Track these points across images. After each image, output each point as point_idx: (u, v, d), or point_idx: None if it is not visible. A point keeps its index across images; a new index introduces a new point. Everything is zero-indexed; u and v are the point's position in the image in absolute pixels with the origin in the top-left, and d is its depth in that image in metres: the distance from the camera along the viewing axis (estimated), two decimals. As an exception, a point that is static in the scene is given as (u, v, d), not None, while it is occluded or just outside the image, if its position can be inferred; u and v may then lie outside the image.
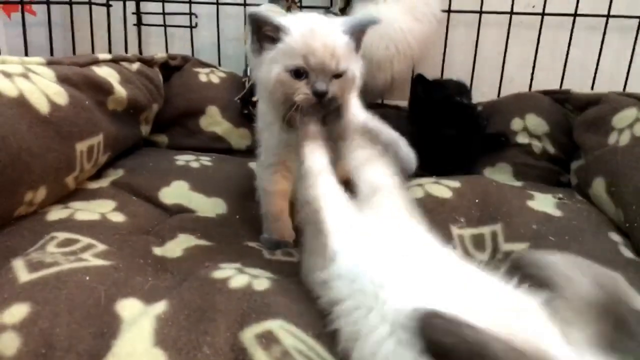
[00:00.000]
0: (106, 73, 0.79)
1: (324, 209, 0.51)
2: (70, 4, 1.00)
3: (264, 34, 0.59)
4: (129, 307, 0.46)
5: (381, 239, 0.48)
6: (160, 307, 0.45)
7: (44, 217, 0.64)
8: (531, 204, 0.74)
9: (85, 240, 0.57)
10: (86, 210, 0.67)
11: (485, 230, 0.71)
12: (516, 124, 0.97)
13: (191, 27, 1.20)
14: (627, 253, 0.66)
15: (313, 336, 0.43)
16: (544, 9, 1.09)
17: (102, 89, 0.76)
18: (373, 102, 1.05)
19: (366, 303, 0.41)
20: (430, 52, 1.11)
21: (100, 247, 0.57)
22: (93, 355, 0.41)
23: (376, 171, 0.58)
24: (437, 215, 0.72)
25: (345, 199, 0.54)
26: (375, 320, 0.40)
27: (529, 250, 0.65)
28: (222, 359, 0.41)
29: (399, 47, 0.99)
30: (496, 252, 0.68)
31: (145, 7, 1.19)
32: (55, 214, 0.66)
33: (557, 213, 0.73)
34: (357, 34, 0.61)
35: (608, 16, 1.07)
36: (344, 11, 1.05)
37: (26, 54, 0.91)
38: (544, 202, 0.75)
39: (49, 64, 0.68)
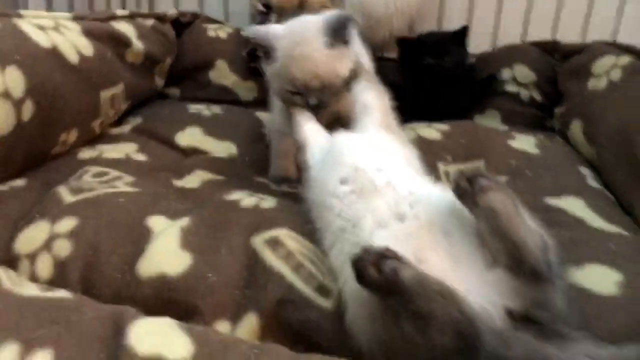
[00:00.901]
0: (124, 28, 0.85)
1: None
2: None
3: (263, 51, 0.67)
4: (157, 222, 0.54)
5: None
6: (184, 221, 0.54)
7: (76, 156, 0.73)
8: (512, 143, 0.82)
9: (115, 172, 0.66)
10: (112, 151, 0.76)
11: (469, 166, 0.79)
12: (505, 73, 1.03)
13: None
14: (594, 183, 0.74)
15: (312, 241, 0.52)
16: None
17: (121, 43, 0.83)
18: (374, 56, 1.11)
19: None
20: (430, 7, 1.16)
21: (128, 178, 0.65)
22: (131, 256, 0.50)
23: (370, 94, 0.65)
24: (426, 154, 0.79)
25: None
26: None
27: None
28: (237, 259, 0.49)
29: (398, 6, 1.04)
30: (478, 185, 0.76)
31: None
32: (86, 153, 0.74)
33: (535, 151, 0.80)
34: (339, 32, 0.65)
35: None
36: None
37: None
38: (524, 142, 0.83)
39: (75, 19, 0.75)
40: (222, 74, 1.09)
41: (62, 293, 0.44)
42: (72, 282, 0.48)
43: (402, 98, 0.91)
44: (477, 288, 0.42)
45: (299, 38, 0.64)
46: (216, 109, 0.96)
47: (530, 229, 0.42)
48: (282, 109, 0.73)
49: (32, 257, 0.50)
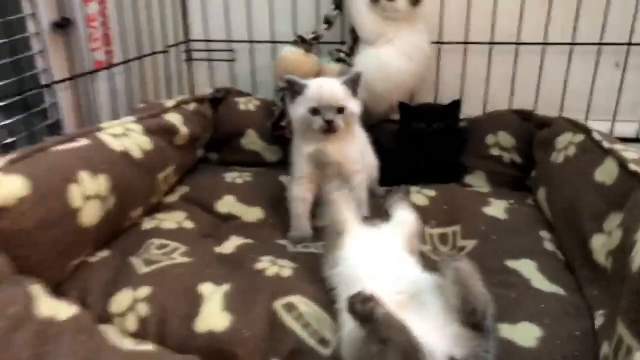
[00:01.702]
0: (172, 118, 1.08)
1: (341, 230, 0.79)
2: (140, 57, 1.29)
3: (294, 89, 0.92)
4: (206, 288, 0.75)
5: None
6: (224, 287, 0.75)
7: (140, 227, 0.95)
8: (485, 209, 1.01)
9: (172, 244, 0.87)
10: (167, 220, 0.98)
11: (449, 230, 0.97)
12: (490, 139, 1.22)
13: (230, 60, 1.48)
14: (549, 246, 0.91)
15: (319, 306, 0.72)
16: (518, 39, 1.32)
17: (171, 131, 1.05)
18: (377, 122, 1.31)
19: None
20: (426, 82, 1.36)
21: (182, 248, 0.87)
22: (189, 316, 0.70)
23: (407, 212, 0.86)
24: (415, 219, 1.00)
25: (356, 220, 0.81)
26: None
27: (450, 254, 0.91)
28: (262, 319, 0.70)
29: (396, 83, 1.23)
30: (454, 246, 0.95)
31: (193, 45, 1.48)
32: (148, 224, 0.96)
33: (503, 216, 0.99)
34: (352, 84, 0.94)
35: (573, 44, 1.29)
36: (352, 50, 1.31)
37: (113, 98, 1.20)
38: (496, 208, 1.01)
39: (137, 120, 0.98)
40: (252, 140, 1.31)
41: (148, 346, 0.65)
42: (150, 334, 0.69)
43: (395, 159, 1.13)
44: (433, 339, 0.60)
45: (324, 80, 0.95)
46: (247, 175, 1.17)
47: (480, 290, 0.59)
48: (299, 156, 0.97)
49: (123, 315, 0.72)
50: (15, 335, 0.55)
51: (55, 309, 0.64)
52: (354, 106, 0.94)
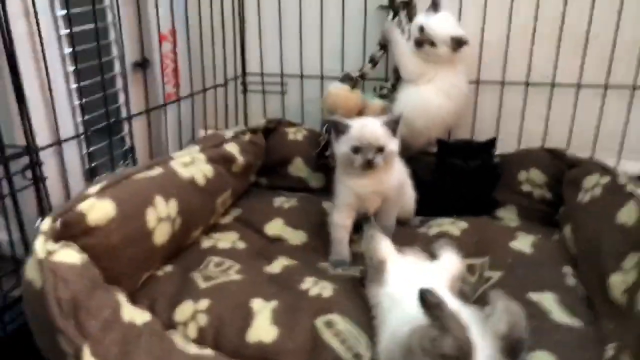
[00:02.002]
0: (231, 148, 1.21)
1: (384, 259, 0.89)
2: (204, 90, 1.44)
3: (338, 129, 1.03)
4: (256, 303, 0.86)
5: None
6: (273, 303, 0.86)
7: (200, 246, 1.07)
8: (512, 243, 1.08)
9: (228, 262, 1.00)
10: (223, 240, 1.10)
11: (477, 261, 1.05)
12: (522, 175, 1.29)
13: (282, 93, 1.61)
14: (571, 281, 0.97)
15: (356, 324, 0.82)
16: (553, 80, 1.39)
17: (229, 160, 1.19)
18: (416, 154, 1.40)
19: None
20: (464, 119, 1.45)
21: (236, 266, 0.99)
22: (242, 328, 0.82)
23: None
24: (446, 249, 1.08)
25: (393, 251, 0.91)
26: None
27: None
28: (305, 334, 0.80)
29: (435, 120, 1.32)
30: (481, 277, 1.03)
31: (249, 79, 1.63)
32: (206, 243, 1.09)
33: (529, 251, 1.06)
34: (392, 125, 1.03)
35: (606, 87, 1.36)
36: (394, 87, 1.41)
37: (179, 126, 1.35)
38: (522, 242, 1.08)
39: (202, 150, 1.12)
40: (299, 168, 1.43)
41: (208, 351, 0.77)
42: (207, 341, 0.81)
43: (432, 191, 1.22)
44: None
45: (366, 120, 1.04)
46: (293, 200, 1.29)
47: (526, 323, 0.68)
48: (343, 188, 1.08)
49: (185, 324, 0.84)
50: (106, 335, 0.68)
51: (134, 314, 0.77)
52: (393, 146, 1.03)
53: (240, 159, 1.21)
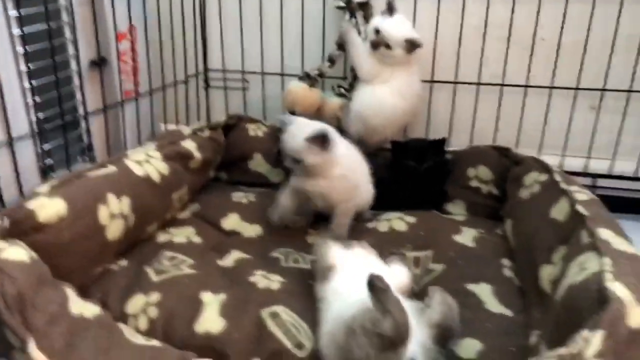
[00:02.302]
0: (188, 145, 1.24)
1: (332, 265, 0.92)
2: (164, 87, 1.46)
3: (281, 128, 1.10)
4: (206, 296, 0.90)
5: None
6: (222, 297, 0.90)
7: (155, 240, 1.10)
8: (456, 237, 1.14)
9: (181, 257, 1.03)
10: (178, 235, 1.13)
11: (422, 254, 1.10)
12: (471, 172, 1.35)
13: (244, 89, 1.64)
14: (508, 273, 1.03)
15: (299, 315, 0.86)
16: (503, 81, 1.45)
17: (186, 157, 1.21)
18: (373, 151, 1.45)
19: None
20: (418, 114, 1.50)
21: (189, 261, 1.02)
22: (190, 319, 0.85)
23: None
24: (394, 243, 1.13)
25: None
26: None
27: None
28: (251, 324, 0.84)
29: (389, 119, 1.36)
30: (425, 269, 1.08)
31: (210, 75, 1.65)
32: (162, 237, 1.11)
33: (471, 244, 1.12)
34: (317, 141, 1.05)
35: (551, 87, 1.42)
36: (352, 86, 1.45)
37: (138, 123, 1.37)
38: (465, 236, 1.14)
39: (158, 148, 1.14)
40: (259, 163, 1.46)
41: (155, 342, 0.80)
42: (157, 333, 0.84)
43: (386, 188, 1.27)
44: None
45: (295, 130, 1.07)
46: (252, 196, 1.33)
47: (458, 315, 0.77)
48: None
49: (136, 316, 0.87)
50: (52, 329, 0.71)
51: (83, 308, 0.80)
52: (312, 159, 1.05)
53: (197, 155, 1.24)
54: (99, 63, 1.20)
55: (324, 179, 1.10)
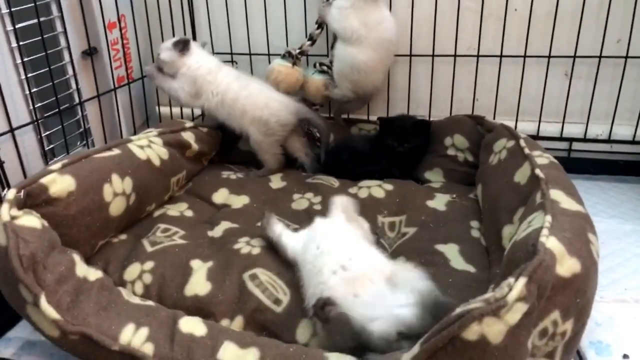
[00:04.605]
0: (187, 136, 1.32)
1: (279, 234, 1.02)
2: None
3: None
4: (195, 263, 0.99)
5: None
6: (209, 264, 0.99)
7: (152, 215, 1.20)
8: (429, 202, 1.22)
9: (174, 228, 1.12)
10: (172, 210, 1.22)
11: (396, 219, 1.19)
12: (447, 141, 1.42)
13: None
14: (476, 234, 1.11)
15: (277, 275, 0.96)
16: (478, 52, 1.51)
17: (185, 146, 1.30)
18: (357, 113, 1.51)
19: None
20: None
21: (181, 232, 1.11)
22: (181, 284, 0.94)
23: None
24: (371, 209, 1.21)
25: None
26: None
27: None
28: (233, 286, 0.93)
29: (367, 70, 1.42)
30: (399, 232, 1.17)
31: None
32: (157, 212, 1.22)
33: (442, 208, 1.20)
34: (178, 44, 1.40)
35: (525, 56, 1.48)
36: (332, 63, 1.51)
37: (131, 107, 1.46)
38: (438, 201, 1.22)
39: (159, 134, 1.23)
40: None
41: (150, 302, 0.90)
42: (152, 296, 0.95)
43: (366, 162, 1.35)
44: (384, 316, 0.74)
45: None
46: (240, 174, 1.42)
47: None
48: None
49: (133, 282, 0.97)
50: (60, 287, 0.81)
51: (87, 272, 0.90)
52: (167, 56, 1.40)
53: (195, 146, 1.33)
54: (90, 53, 1.28)
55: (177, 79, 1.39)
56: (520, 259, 0.76)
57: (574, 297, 0.73)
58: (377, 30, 1.41)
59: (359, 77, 1.44)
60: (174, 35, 1.63)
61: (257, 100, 1.38)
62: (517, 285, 0.65)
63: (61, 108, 1.21)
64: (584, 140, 1.51)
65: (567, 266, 0.73)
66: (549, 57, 1.46)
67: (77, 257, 0.89)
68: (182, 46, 1.36)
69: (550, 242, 0.73)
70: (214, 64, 1.42)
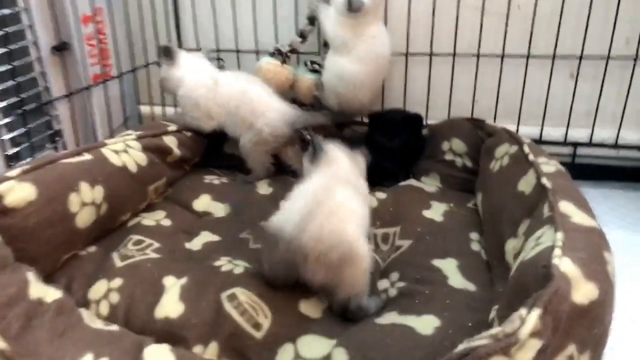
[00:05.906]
0: (169, 141, 1.23)
1: None
2: (134, 70, 1.45)
3: None
4: (168, 280, 0.90)
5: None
6: (184, 280, 0.90)
7: (126, 225, 1.11)
8: (425, 212, 1.13)
9: (148, 240, 1.03)
10: (147, 219, 1.13)
11: (390, 230, 1.10)
12: (445, 145, 1.33)
13: (219, 67, 1.62)
14: (475, 247, 1.02)
15: (258, 296, 0.87)
16: (478, 51, 1.42)
17: (166, 152, 1.21)
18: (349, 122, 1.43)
19: None
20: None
21: (156, 244, 1.02)
22: (151, 304, 0.85)
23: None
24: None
25: None
26: None
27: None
28: (210, 307, 0.84)
29: (355, 85, 1.34)
30: (393, 245, 1.08)
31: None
32: (131, 221, 1.12)
33: (439, 219, 1.11)
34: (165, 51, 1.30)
35: (528, 56, 1.39)
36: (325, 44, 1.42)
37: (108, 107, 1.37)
38: (435, 211, 1.13)
39: (138, 138, 1.14)
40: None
41: (114, 327, 0.81)
42: (118, 318, 0.85)
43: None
44: None
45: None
46: (224, 179, 1.32)
47: None
48: None
49: (98, 302, 0.88)
50: (9, 311, 0.72)
51: (43, 292, 0.80)
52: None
53: (176, 152, 1.24)
54: (60, 48, 1.18)
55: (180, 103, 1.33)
56: (529, 282, 0.68)
57: (592, 326, 0.65)
58: (369, 43, 1.33)
59: (345, 90, 1.35)
60: (155, 31, 1.54)
61: (254, 108, 1.28)
62: (531, 318, 0.56)
63: (26, 108, 1.11)
64: (590, 145, 1.42)
65: (584, 292, 0.64)
66: (554, 57, 1.38)
67: (31, 276, 0.80)
68: (163, 52, 1.28)
69: (565, 265, 0.65)
70: (208, 75, 1.33)
